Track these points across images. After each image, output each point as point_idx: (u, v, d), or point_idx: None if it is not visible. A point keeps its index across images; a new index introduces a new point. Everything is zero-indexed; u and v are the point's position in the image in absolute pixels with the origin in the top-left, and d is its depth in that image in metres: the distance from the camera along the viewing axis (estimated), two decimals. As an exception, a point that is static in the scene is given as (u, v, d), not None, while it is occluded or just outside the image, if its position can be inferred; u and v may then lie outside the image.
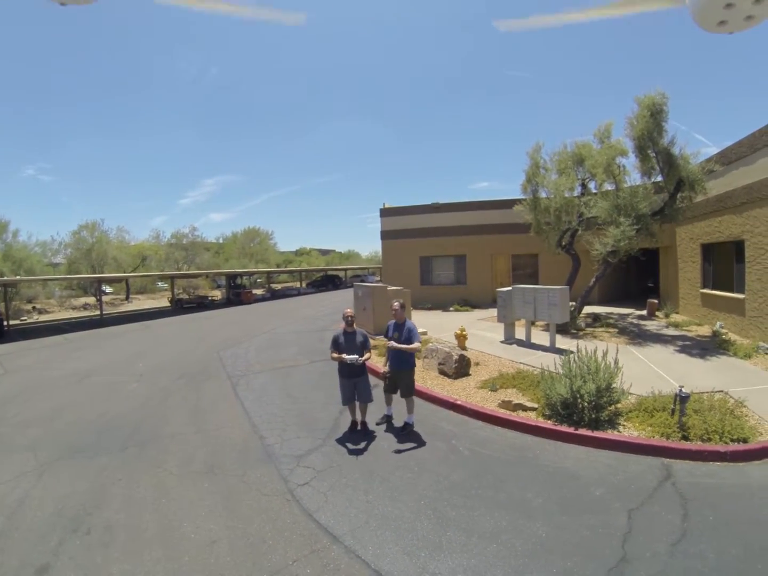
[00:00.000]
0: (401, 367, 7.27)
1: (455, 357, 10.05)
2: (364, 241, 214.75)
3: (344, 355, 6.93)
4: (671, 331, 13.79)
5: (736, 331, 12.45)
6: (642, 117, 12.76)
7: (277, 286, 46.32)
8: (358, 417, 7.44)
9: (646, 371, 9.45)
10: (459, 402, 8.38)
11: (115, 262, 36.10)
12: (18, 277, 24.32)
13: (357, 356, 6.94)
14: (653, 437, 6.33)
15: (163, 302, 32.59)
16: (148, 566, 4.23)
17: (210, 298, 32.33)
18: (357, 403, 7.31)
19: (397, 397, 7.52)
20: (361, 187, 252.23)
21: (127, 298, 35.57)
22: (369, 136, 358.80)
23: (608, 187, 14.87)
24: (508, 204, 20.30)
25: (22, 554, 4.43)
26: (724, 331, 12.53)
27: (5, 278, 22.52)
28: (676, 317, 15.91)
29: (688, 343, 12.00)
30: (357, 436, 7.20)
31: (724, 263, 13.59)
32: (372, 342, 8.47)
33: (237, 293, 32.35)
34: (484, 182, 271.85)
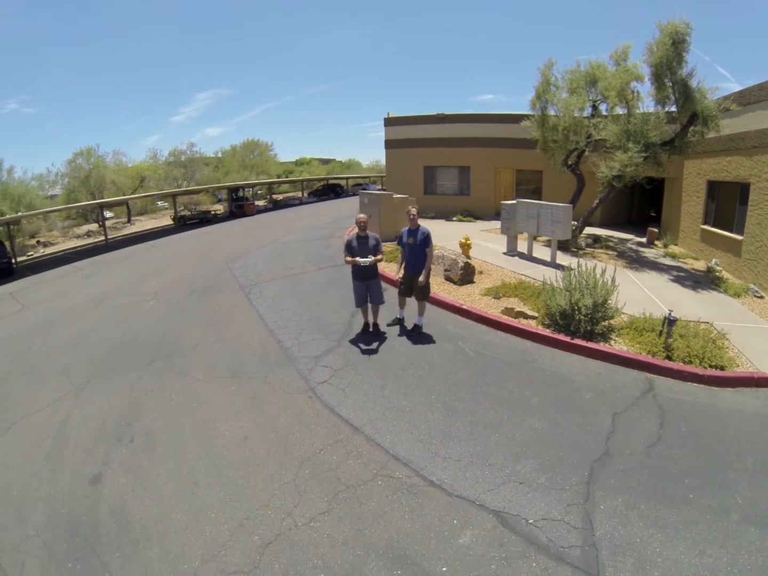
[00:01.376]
0: (417, 271, 7.47)
1: (461, 264, 10.29)
2: (365, 151, 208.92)
3: (358, 258, 7.16)
4: (668, 261, 13.96)
5: (730, 270, 12.52)
6: (662, 44, 12.07)
7: (279, 197, 45.65)
8: (370, 319, 7.78)
9: (640, 295, 9.77)
10: (465, 307, 8.73)
11: (115, 186, 35.26)
12: (20, 214, 24.07)
13: (371, 258, 7.18)
14: (641, 353, 6.79)
15: (166, 221, 32.44)
16: (191, 463, 4.71)
17: (213, 213, 32.11)
18: (369, 305, 7.61)
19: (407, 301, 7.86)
20: (360, 96, 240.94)
21: (128, 221, 35.36)
22: (367, 42, 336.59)
23: (620, 111, 14.33)
24: (515, 118, 19.49)
25: (74, 469, 4.80)
26: (718, 268, 12.59)
27: (7, 217, 22.35)
28: (674, 248, 15.90)
29: (682, 274, 12.23)
30: (370, 337, 7.60)
31: (727, 203, 13.36)
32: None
33: (239, 206, 32.00)
34: (489, 95, 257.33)
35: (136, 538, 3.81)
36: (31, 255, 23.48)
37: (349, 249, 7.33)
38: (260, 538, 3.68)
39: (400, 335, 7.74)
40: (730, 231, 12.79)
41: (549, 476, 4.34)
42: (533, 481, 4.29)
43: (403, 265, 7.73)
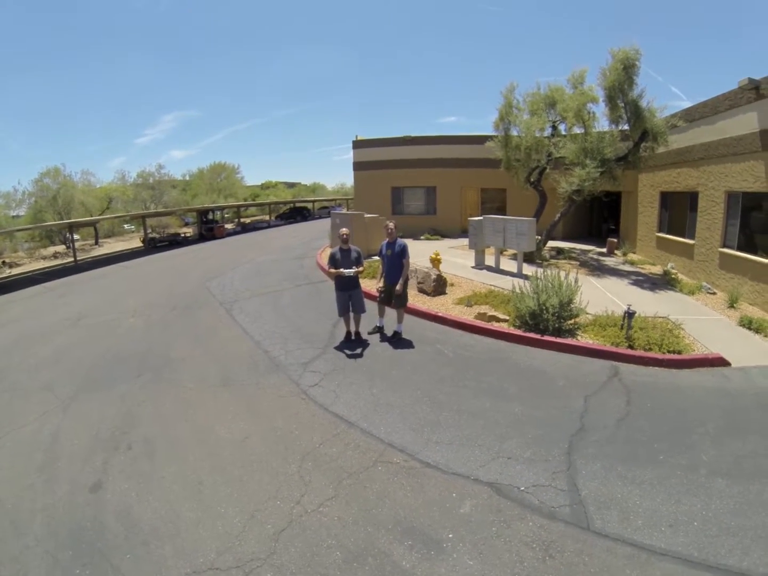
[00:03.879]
0: (395, 280, 7.95)
1: (433, 276, 10.87)
2: (330, 174, 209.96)
3: (342, 269, 7.61)
4: (627, 267, 14.93)
5: (684, 272, 13.56)
6: (615, 69, 13.12)
7: (247, 220, 45.64)
8: (352, 327, 8.17)
9: (602, 297, 10.48)
10: (440, 314, 9.31)
11: (83, 207, 34.80)
12: None
13: (354, 269, 7.67)
14: (605, 345, 7.49)
15: (135, 243, 32.01)
16: (194, 465, 4.85)
17: (183, 235, 31.90)
18: (351, 315, 8.01)
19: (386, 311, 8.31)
20: (325, 119, 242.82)
21: (96, 243, 34.68)
22: (331, 67, 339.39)
23: (577, 130, 15.34)
24: (479, 139, 20.55)
25: (72, 478, 4.78)
26: (674, 271, 13.60)
27: None
28: (633, 256, 16.99)
29: (641, 278, 13.14)
30: (353, 344, 7.96)
31: (679, 211, 14.55)
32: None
33: (209, 228, 31.95)
34: (452, 117, 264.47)
35: (146, 538, 3.87)
36: (-3, 275, 22.84)
37: (333, 261, 7.75)
38: (273, 527, 3.88)
39: (381, 341, 8.12)
40: (683, 236, 13.83)
41: (533, 451, 4.82)
42: (520, 455, 4.74)
43: (382, 276, 8.19)
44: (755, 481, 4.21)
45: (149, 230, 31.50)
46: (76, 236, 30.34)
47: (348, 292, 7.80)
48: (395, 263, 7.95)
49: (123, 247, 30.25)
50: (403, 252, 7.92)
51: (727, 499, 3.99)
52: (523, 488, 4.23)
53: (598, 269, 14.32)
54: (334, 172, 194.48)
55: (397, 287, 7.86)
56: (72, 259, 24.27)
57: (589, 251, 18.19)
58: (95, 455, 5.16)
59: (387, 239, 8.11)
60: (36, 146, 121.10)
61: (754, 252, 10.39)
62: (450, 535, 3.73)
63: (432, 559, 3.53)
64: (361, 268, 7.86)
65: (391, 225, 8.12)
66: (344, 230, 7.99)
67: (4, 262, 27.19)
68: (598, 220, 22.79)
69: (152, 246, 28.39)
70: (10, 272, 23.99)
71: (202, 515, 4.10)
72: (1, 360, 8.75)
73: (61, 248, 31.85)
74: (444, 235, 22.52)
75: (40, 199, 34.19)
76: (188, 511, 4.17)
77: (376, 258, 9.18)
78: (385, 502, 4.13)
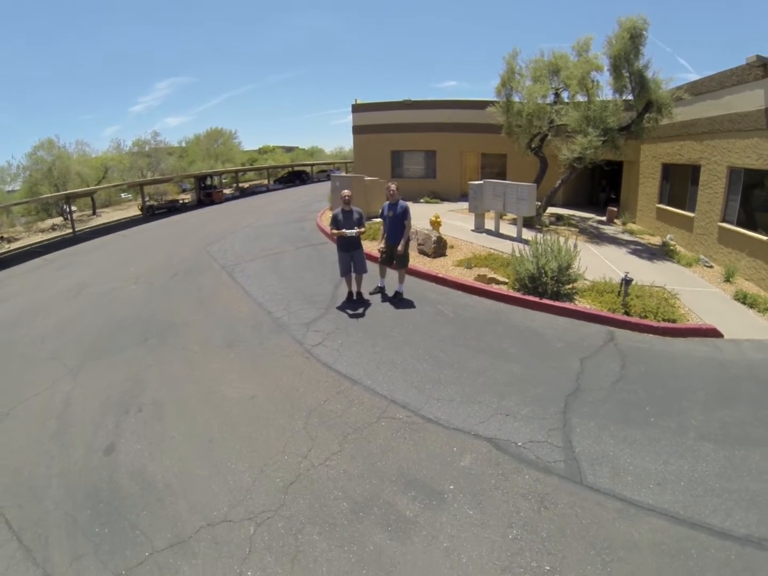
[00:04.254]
0: (397, 241, 7.95)
1: (434, 238, 10.87)
2: (328, 138, 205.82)
3: (344, 230, 7.62)
4: (626, 237, 14.87)
5: (683, 244, 13.55)
6: (621, 38, 12.93)
7: (245, 185, 45.04)
8: (354, 288, 8.22)
9: (600, 264, 10.47)
10: (441, 275, 9.35)
11: (79, 178, 34.21)
12: None
13: (356, 229, 7.67)
14: (602, 310, 7.61)
15: (133, 212, 31.80)
16: (203, 424, 4.98)
17: (181, 202, 31.60)
18: (353, 275, 8.06)
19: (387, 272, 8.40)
20: (322, 83, 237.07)
21: (94, 213, 34.43)
22: (329, 29, 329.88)
23: (580, 98, 15.02)
24: (480, 104, 20.23)
25: (86, 442, 4.92)
26: (672, 243, 13.54)
27: None
28: (632, 226, 16.89)
29: (639, 248, 13.12)
30: (355, 305, 8.02)
31: (680, 183, 14.40)
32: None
33: (208, 194, 31.61)
34: (452, 81, 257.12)
35: (161, 496, 4.02)
36: (-3, 251, 22.78)
37: (336, 222, 7.76)
38: (282, 480, 4.02)
39: (383, 302, 8.18)
40: (683, 209, 13.86)
41: (530, 408, 4.96)
42: (517, 413, 4.89)
43: (384, 237, 8.19)
44: (741, 448, 4.35)
45: (147, 198, 31.20)
46: (73, 207, 30.12)
47: (350, 253, 7.84)
48: (397, 224, 7.94)
49: (121, 216, 30.06)
50: (405, 213, 7.90)
51: (713, 462, 4.14)
52: (520, 444, 4.39)
53: (597, 237, 14.33)
54: (331, 136, 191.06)
55: (399, 247, 7.86)
56: (70, 230, 24.14)
57: (588, 219, 18.11)
58: (107, 419, 5.28)
59: (389, 200, 8.08)
60: (27, 119, 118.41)
61: (753, 229, 10.45)
62: (451, 487, 3.89)
63: (434, 509, 3.69)
64: (363, 229, 7.86)
65: (393, 186, 8.10)
66: (346, 192, 7.97)
67: (2, 238, 27.08)
68: (599, 189, 22.62)
69: (151, 214, 28.19)
70: (8, 247, 23.91)
71: (214, 471, 4.23)
72: (6, 334, 8.82)
73: (58, 220, 31.68)
74: (443, 198, 22.44)
75: (35, 172, 33.46)
76: (200, 468, 4.31)
77: (377, 220, 9.14)
78: (389, 455, 4.27)
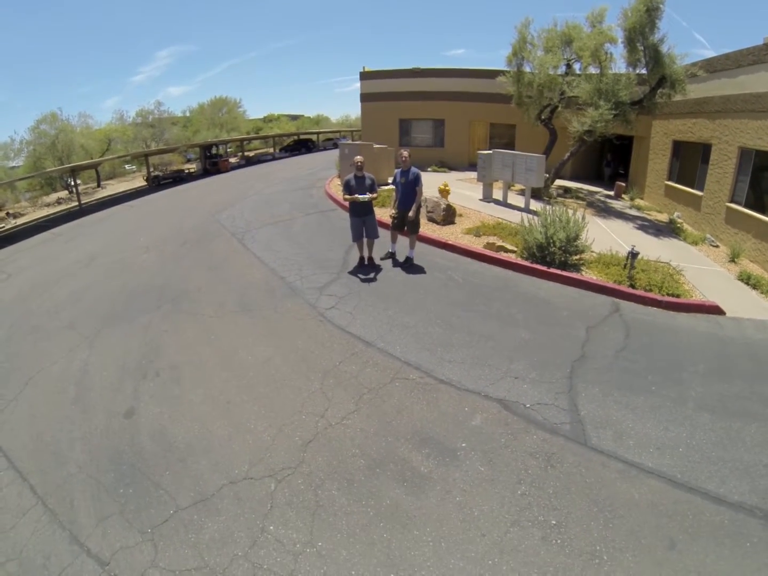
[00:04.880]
0: (408, 207, 7.96)
1: (443, 206, 10.84)
2: (334, 106, 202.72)
3: (357, 195, 7.61)
4: (634, 212, 14.71)
5: (690, 223, 13.36)
6: (637, 10, 12.64)
7: (251, 154, 44.51)
8: (366, 253, 8.24)
9: (607, 238, 10.48)
10: (450, 242, 9.38)
11: (84, 150, 34.04)
12: None
13: (368, 195, 7.65)
14: (608, 282, 7.67)
15: (138, 183, 31.57)
16: (220, 386, 5.05)
17: (187, 171, 31.37)
18: (365, 240, 8.07)
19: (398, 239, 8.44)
20: (327, 50, 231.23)
21: (98, 185, 34.20)
22: None
23: (593, 70, 14.76)
24: (489, 74, 20.05)
25: (105, 407, 5.01)
26: (680, 220, 13.38)
27: None
28: (640, 202, 16.64)
29: (646, 224, 13.01)
30: (367, 269, 8.05)
31: (690, 161, 14.14)
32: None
33: (214, 163, 31.33)
34: (460, 49, 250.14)
35: (182, 456, 4.10)
36: (2, 227, 22.82)
37: (348, 188, 7.74)
38: (300, 439, 4.10)
39: (394, 267, 8.22)
40: (692, 187, 13.68)
41: (538, 372, 5.06)
42: (526, 376, 5.00)
43: (395, 203, 8.19)
44: (737, 420, 4.45)
45: (152, 168, 31.00)
46: (78, 181, 30.02)
47: (362, 218, 7.84)
48: (409, 191, 7.94)
49: (126, 188, 29.89)
50: (417, 180, 7.89)
51: (710, 432, 4.25)
52: (528, 405, 4.51)
53: (605, 211, 14.22)
54: (337, 104, 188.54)
55: (410, 213, 7.87)
56: (76, 203, 24.07)
57: (596, 193, 17.95)
58: (125, 384, 5.36)
59: (401, 167, 8.07)
60: (24, 94, 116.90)
61: (761, 211, 10.32)
62: (463, 445, 4.00)
63: (447, 465, 3.79)
64: (375, 195, 7.85)
65: (405, 153, 8.10)
66: (359, 158, 7.93)
67: (8, 213, 27.09)
68: (603, 162, 22.33)
69: (156, 184, 28.02)
70: (15, 222, 23.95)
71: (233, 431, 4.32)
72: (19, 306, 8.90)
73: (63, 194, 31.52)
74: (451, 167, 22.17)
75: (38, 146, 33.10)
76: (219, 428, 4.39)
77: (386, 187, 9.06)
78: (403, 415, 4.36)
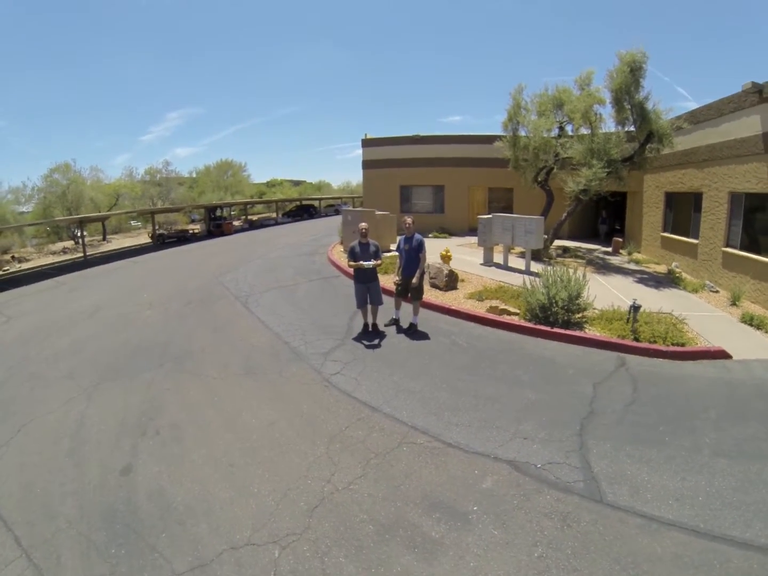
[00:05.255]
0: (412, 273, 8.18)
1: (445, 272, 11.13)
2: (335, 172, 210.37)
3: (362, 262, 7.83)
4: (632, 266, 15.19)
5: (688, 271, 13.79)
6: (621, 71, 13.45)
7: (254, 218, 45.70)
8: (370, 319, 8.35)
9: (608, 293, 10.76)
10: (454, 307, 9.54)
11: (92, 203, 35.02)
12: None
13: (372, 261, 7.88)
14: (612, 337, 7.78)
15: (143, 239, 32.24)
16: (223, 448, 5.00)
17: (191, 232, 32.02)
18: (369, 307, 8.20)
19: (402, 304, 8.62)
20: (330, 117, 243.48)
21: (104, 239, 34.84)
22: (336, 64, 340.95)
23: (584, 131, 15.55)
24: (486, 139, 20.87)
25: (101, 462, 4.86)
26: (678, 270, 13.81)
27: None
28: (637, 255, 17.23)
29: (645, 276, 13.40)
30: (371, 336, 8.14)
31: (683, 211, 14.81)
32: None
33: (218, 225, 32.12)
34: (457, 116, 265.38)
35: (181, 518, 3.97)
36: (7, 270, 22.95)
37: (353, 254, 7.97)
38: (306, 504, 4.03)
39: (398, 333, 8.32)
40: (687, 236, 14.11)
41: (547, 432, 5.07)
42: (535, 436, 5.00)
43: (399, 270, 8.39)
44: (755, 462, 4.47)
45: (157, 226, 31.66)
46: (84, 232, 30.53)
47: (366, 285, 8.00)
48: (412, 257, 8.16)
49: (131, 243, 30.42)
50: (420, 246, 8.12)
51: (729, 477, 4.26)
52: (539, 465, 4.49)
53: (604, 267, 14.56)
54: (339, 171, 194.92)
55: (414, 280, 8.06)
56: (81, 254, 24.40)
57: (594, 250, 18.46)
58: (123, 440, 5.26)
59: (405, 234, 8.32)
60: (41, 143, 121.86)
61: (757, 252, 10.62)
62: (474, 508, 3.94)
63: (459, 530, 3.73)
64: (379, 261, 8.08)
65: (409, 220, 8.37)
66: (363, 225, 8.20)
67: (13, 257, 27.38)
68: (598, 220, 23.07)
69: (161, 242, 28.56)
70: (20, 267, 24.16)
71: (236, 494, 4.23)
72: (18, 351, 8.87)
73: (69, 244, 32.03)
74: (452, 233, 22.67)
75: (49, 194, 34.08)
76: (221, 491, 4.30)
77: (388, 254, 9.32)
78: (412, 479, 4.33)
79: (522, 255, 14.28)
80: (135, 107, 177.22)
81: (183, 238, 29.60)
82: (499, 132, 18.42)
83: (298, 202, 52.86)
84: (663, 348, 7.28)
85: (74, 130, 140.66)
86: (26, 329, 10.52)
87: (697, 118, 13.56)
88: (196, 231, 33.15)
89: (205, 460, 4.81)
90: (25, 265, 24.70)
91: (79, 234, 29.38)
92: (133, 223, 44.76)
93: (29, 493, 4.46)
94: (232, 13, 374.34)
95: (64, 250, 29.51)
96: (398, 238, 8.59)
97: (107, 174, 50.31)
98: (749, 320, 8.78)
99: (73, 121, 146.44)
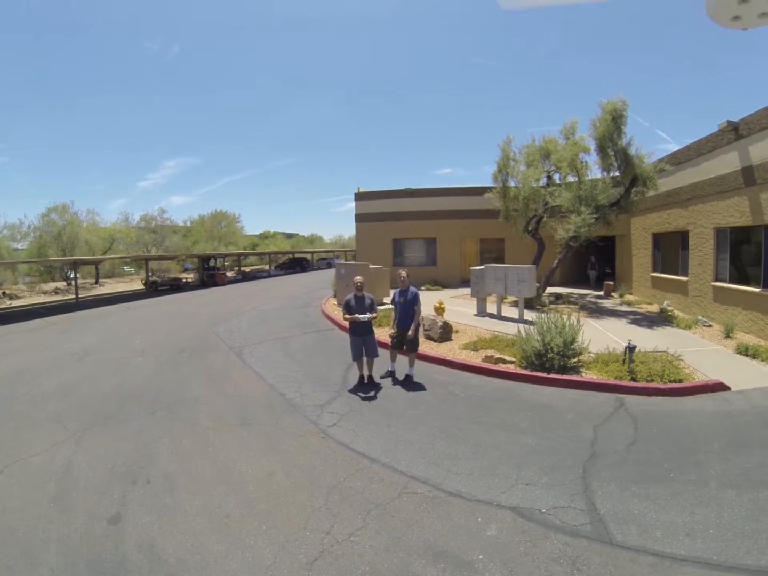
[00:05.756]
0: (407, 326, 8.28)
1: (440, 323, 11.29)
2: (327, 225, 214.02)
3: (357, 315, 7.92)
4: (625, 308, 15.60)
5: (680, 308, 14.21)
6: (604, 120, 14.26)
7: (247, 269, 46.20)
8: (366, 372, 8.38)
9: (603, 337, 10.99)
10: (449, 358, 9.61)
11: (87, 245, 35.35)
12: None
13: (368, 315, 7.97)
14: (609, 379, 7.89)
15: (135, 285, 32.32)
16: (218, 499, 4.87)
17: (184, 280, 32.18)
18: (365, 359, 8.26)
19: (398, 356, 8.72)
20: (322, 170, 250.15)
21: (96, 282, 34.85)
22: (326, 120, 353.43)
23: (571, 179, 16.27)
24: (477, 191, 21.76)
25: (88, 510, 4.70)
26: (670, 308, 14.25)
27: None
28: (629, 297, 17.75)
29: (638, 317, 13.72)
30: (367, 388, 8.14)
31: (671, 250, 15.41)
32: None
33: (211, 275, 32.46)
34: (447, 168, 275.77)
35: (172, 570, 3.81)
36: (-3, 305, 22.77)
37: (348, 307, 8.09)
38: (305, 556, 3.92)
39: (394, 384, 8.33)
40: (677, 274, 14.52)
41: (550, 477, 5.06)
42: (537, 481, 4.97)
43: (395, 322, 8.49)
44: (764, 489, 4.54)
45: (150, 273, 31.76)
46: (77, 274, 30.56)
47: (362, 337, 8.09)
48: (408, 310, 8.29)
49: (123, 288, 30.45)
50: (415, 299, 8.27)
51: (738, 507, 4.30)
52: (544, 510, 4.45)
53: (597, 311, 14.84)
54: (331, 223, 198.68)
55: (410, 332, 8.17)
56: (74, 296, 24.39)
57: (586, 295, 18.86)
58: (112, 488, 5.11)
59: (400, 287, 8.48)
60: (41, 181, 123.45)
61: (746, 283, 10.93)
62: (480, 556, 3.87)
63: None
64: (374, 314, 8.18)
65: (404, 273, 8.54)
66: (359, 278, 8.38)
67: (4, 293, 27.21)
68: (587, 265, 23.53)
69: (154, 289, 28.65)
70: (10, 303, 24.00)
71: (231, 547, 4.11)
72: (5, 389, 8.73)
73: (61, 284, 32.01)
74: (444, 285, 23.01)
75: (45, 233, 34.52)
76: (216, 543, 4.17)
77: (382, 307, 9.45)
78: (414, 529, 4.25)
79: (515, 304, 14.56)
80: (134, 153, 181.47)
81: (176, 287, 29.72)
82: (488, 183, 19.20)
83: (290, 255, 53.67)
84: (661, 386, 7.41)
85: (73, 172, 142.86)
86: (14, 367, 10.40)
87: (678, 159, 14.26)
88: (189, 280, 33.30)
89: (199, 511, 4.68)
90: (15, 302, 24.58)
91: (72, 275, 29.44)
92: (126, 268, 44.93)
93: (10, 538, 4.29)
94: (231, 65, 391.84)
95: (56, 291, 29.43)
96: (393, 291, 8.75)
97: (103, 217, 51.02)
98: (744, 350, 9.02)
99: (73, 163, 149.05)
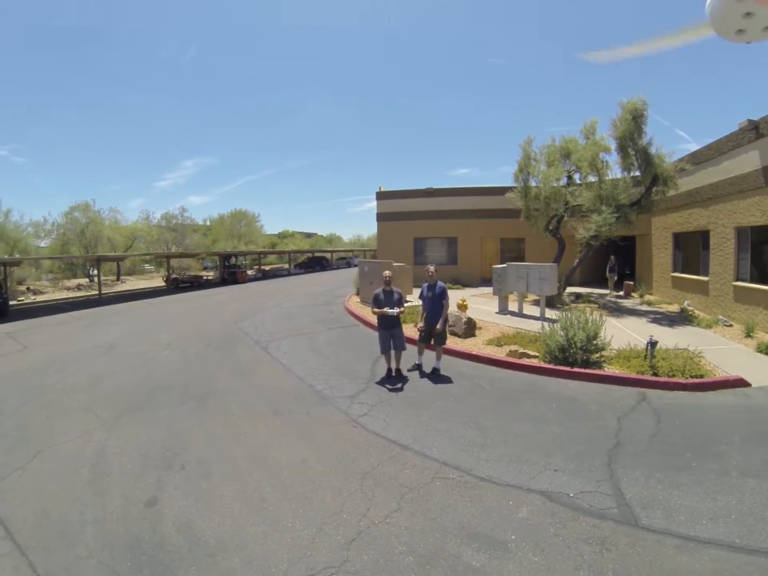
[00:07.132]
0: (435, 320, 8.36)
1: (464, 319, 11.41)
2: (346, 225, 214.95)
3: (386, 309, 8.04)
4: (645, 308, 15.55)
5: (701, 308, 14.07)
6: (624, 120, 14.24)
7: (267, 268, 46.55)
8: (393, 365, 8.47)
9: (623, 334, 10.97)
10: (474, 352, 9.69)
11: (110, 243, 36.14)
12: (18, 256, 24.35)
13: (396, 309, 8.08)
14: (631, 374, 7.99)
15: (156, 282, 32.80)
16: (254, 484, 4.94)
17: (205, 278, 32.57)
18: (392, 352, 8.35)
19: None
20: (340, 170, 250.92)
21: (118, 279, 35.53)
22: (344, 120, 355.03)
23: (592, 179, 16.24)
24: (497, 191, 21.74)
25: (124, 493, 4.75)
26: (690, 308, 14.12)
27: (8, 257, 22.54)
28: (649, 297, 17.60)
29: (659, 316, 13.68)
30: (394, 380, 8.23)
31: (692, 250, 15.31)
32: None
33: (232, 273, 32.84)
34: (465, 169, 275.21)
35: (212, 551, 3.87)
36: (22, 300, 23.41)
37: (377, 301, 8.20)
38: (343, 537, 3.98)
39: (421, 378, 8.41)
40: (697, 274, 14.40)
41: (576, 463, 5.19)
42: (565, 468, 5.11)
43: (423, 316, 8.58)
44: None
45: (171, 271, 32.20)
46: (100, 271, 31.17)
47: (390, 331, 8.18)
48: (436, 304, 8.37)
49: (145, 285, 30.92)
50: (443, 293, 8.37)
51: (759, 495, 4.42)
52: (572, 494, 4.56)
53: (617, 310, 14.79)
54: (350, 223, 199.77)
55: (438, 325, 8.24)
56: (96, 291, 24.85)
57: (606, 295, 18.79)
58: (147, 473, 5.19)
59: (428, 282, 8.58)
60: (59, 182, 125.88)
61: (767, 282, 10.77)
62: (512, 537, 3.96)
63: (500, 558, 3.73)
64: (403, 308, 8.28)
65: (431, 268, 8.64)
66: (388, 272, 8.47)
67: (28, 288, 27.87)
68: (606, 266, 23.38)
69: (175, 286, 29.02)
70: (34, 298, 24.56)
71: (269, 529, 4.16)
72: (34, 379, 8.89)
73: (84, 281, 32.69)
74: (465, 284, 22.98)
75: (68, 231, 35.27)
76: (253, 525, 4.23)
77: (406, 304, 9.54)
78: (448, 512, 4.33)
79: (536, 302, 14.65)
80: (152, 154, 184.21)
81: (197, 284, 30.09)
82: (506, 183, 19.26)
83: (310, 254, 53.92)
84: (682, 381, 7.49)
85: (91, 172, 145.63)
86: (41, 359, 10.61)
87: (698, 159, 14.12)
88: (210, 278, 33.69)
89: (235, 495, 4.75)
90: (39, 298, 25.10)
91: (94, 272, 30.00)
92: (146, 266, 45.60)
93: (45, 519, 4.37)
94: (249, 67, 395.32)
95: (79, 287, 30.02)
96: (422, 286, 8.84)
97: (124, 216, 51.93)
98: (765, 349, 9.05)
99: (90, 164, 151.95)
